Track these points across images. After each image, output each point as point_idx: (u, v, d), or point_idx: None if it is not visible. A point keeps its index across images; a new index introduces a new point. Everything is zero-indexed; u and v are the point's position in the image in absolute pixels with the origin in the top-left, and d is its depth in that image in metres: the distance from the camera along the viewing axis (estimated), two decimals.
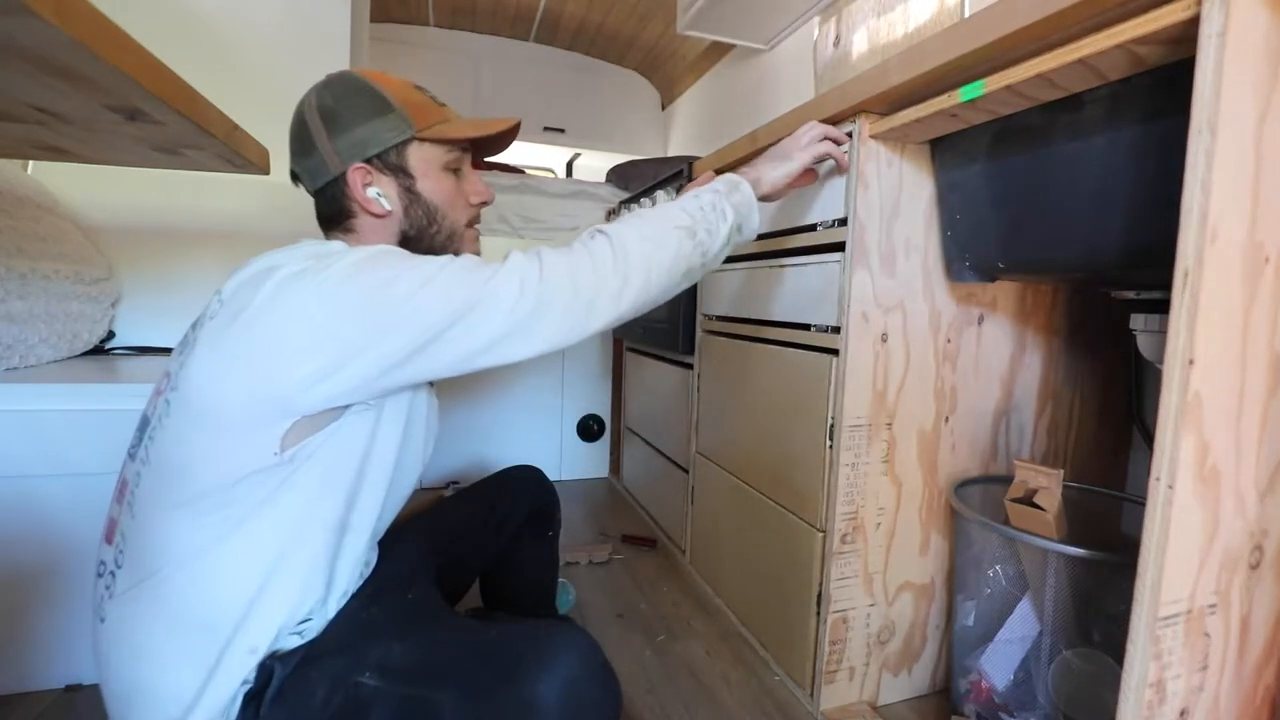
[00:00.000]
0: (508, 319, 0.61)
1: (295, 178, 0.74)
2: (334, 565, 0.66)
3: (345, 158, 0.68)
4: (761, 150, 1.00)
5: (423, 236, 0.73)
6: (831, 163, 0.94)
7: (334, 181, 0.70)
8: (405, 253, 0.65)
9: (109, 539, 0.63)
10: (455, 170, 0.75)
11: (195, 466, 0.58)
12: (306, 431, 0.60)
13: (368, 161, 0.69)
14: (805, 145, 0.89)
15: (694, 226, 0.73)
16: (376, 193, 0.70)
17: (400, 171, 0.71)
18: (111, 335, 1.43)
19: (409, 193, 0.71)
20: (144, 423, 0.64)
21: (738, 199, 0.79)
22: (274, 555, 0.61)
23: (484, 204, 0.78)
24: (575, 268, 0.65)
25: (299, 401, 0.58)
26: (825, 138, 0.90)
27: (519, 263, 0.63)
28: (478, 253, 0.78)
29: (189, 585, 0.59)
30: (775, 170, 0.86)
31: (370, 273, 0.59)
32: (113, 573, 0.61)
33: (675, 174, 1.55)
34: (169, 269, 1.50)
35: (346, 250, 0.63)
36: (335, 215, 0.72)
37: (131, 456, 0.64)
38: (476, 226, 0.79)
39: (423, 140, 0.71)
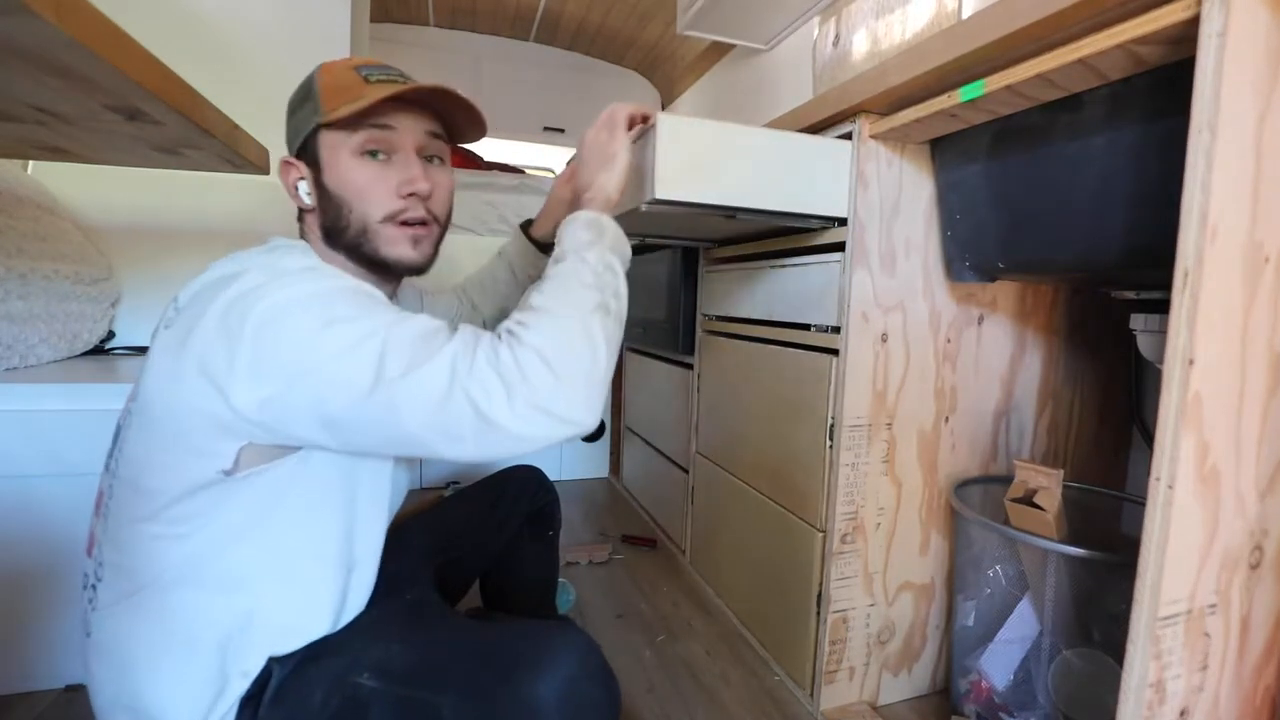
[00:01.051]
0: (433, 414, 0.53)
1: None
2: (344, 601, 0.65)
3: (289, 153, 0.68)
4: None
5: (338, 233, 0.66)
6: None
7: None
8: (357, 296, 0.58)
9: (89, 551, 0.63)
10: (377, 155, 0.65)
11: (152, 478, 0.57)
12: (260, 458, 0.57)
13: (297, 155, 0.67)
14: (618, 135, 0.75)
15: (604, 300, 0.61)
16: (299, 188, 0.67)
17: (314, 163, 0.66)
18: (111, 335, 1.43)
19: (318, 185, 0.66)
20: (116, 433, 0.63)
21: (611, 238, 0.67)
22: (263, 580, 0.60)
23: (413, 195, 0.66)
24: (511, 384, 0.53)
25: (239, 427, 0.55)
26: (628, 116, 0.78)
27: (451, 357, 0.54)
28: (411, 259, 0.68)
29: (175, 604, 0.58)
30: (610, 180, 0.73)
31: (310, 314, 0.54)
32: (94, 585, 0.60)
33: None
34: (169, 269, 1.50)
35: (304, 272, 0.59)
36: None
37: (106, 468, 0.63)
38: (412, 226, 0.67)
39: (328, 126, 0.64)
